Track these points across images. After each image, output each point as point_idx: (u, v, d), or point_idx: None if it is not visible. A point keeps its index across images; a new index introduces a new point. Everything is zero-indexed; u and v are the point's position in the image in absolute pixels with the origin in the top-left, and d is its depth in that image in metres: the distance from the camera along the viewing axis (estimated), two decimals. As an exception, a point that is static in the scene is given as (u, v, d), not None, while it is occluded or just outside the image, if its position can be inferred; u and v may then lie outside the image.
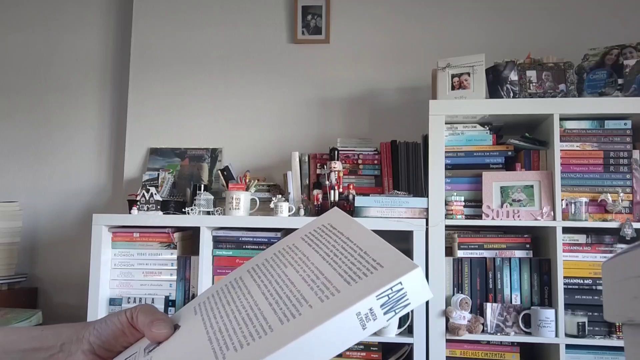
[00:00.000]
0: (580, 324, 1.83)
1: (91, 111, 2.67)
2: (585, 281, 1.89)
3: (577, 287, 1.89)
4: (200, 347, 0.44)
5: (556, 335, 1.83)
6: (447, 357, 1.89)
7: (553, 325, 1.83)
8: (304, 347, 0.39)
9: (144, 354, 0.49)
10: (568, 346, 1.84)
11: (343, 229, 0.52)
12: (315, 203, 2.14)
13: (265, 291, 0.47)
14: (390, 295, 0.40)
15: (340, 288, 0.42)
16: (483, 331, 1.89)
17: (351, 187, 2.13)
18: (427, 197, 1.96)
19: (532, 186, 1.95)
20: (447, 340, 1.89)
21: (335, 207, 0.55)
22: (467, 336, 1.87)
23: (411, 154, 2.21)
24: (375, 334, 1.94)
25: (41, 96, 2.71)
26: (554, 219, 1.89)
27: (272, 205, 2.09)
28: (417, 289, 0.40)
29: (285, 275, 0.48)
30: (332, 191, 2.12)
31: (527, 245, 1.96)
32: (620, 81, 1.95)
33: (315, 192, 2.16)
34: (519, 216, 1.92)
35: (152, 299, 2.05)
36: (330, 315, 0.39)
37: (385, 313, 0.39)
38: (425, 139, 2.12)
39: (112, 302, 2.06)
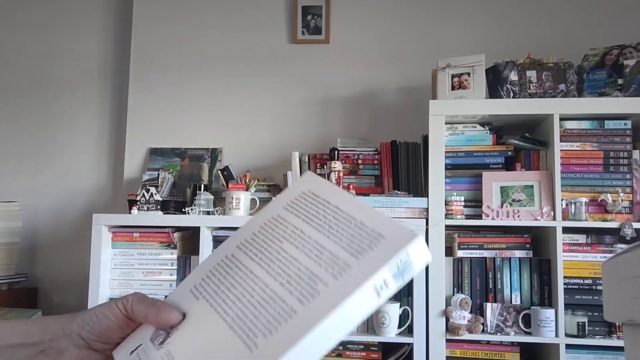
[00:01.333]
0: (580, 324, 1.83)
1: (91, 111, 2.67)
2: (585, 281, 1.89)
3: (577, 287, 1.89)
4: (224, 336, 0.44)
5: (556, 335, 1.84)
6: (447, 357, 1.89)
7: (553, 325, 1.83)
8: (330, 326, 0.40)
9: (154, 347, 0.48)
10: (568, 346, 1.84)
11: (326, 196, 0.51)
12: (315, 203, 2.14)
13: (270, 271, 0.47)
14: (399, 265, 0.43)
15: (350, 263, 0.44)
16: (483, 331, 1.89)
17: (351, 187, 2.13)
18: (427, 197, 1.96)
19: (532, 186, 1.95)
20: (447, 340, 1.89)
21: (308, 172, 0.52)
22: (467, 336, 1.87)
23: (411, 154, 2.21)
24: (375, 334, 1.94)
25: (41, 97, 2.71)
26: (554, 219, 1.89)
27: (272, 205, 2.09)
28: (420, 255, 0.44)
29: (284, 252, 0.48)
30: (332, 191, 2.11)
31: (527, 245, 1.96)
32: (620, 81, 1.95)
33: (315, 192, 2.16)
34: (519, 216, 1.92)
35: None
36: (351, 293, 0.41)
37: (396, 280, 0.42)
38: (425, 139, 2.12)
39: (112, 302, 2.06)
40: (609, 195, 1.90)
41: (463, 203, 1.96)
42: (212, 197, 2.18)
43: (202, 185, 2.22)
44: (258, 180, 2.23)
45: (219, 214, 2.13)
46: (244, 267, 0.50)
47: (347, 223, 0.48)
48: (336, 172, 2.13)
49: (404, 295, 1.99)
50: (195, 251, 2.05)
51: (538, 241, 2.03)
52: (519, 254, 1.95)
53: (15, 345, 0.47)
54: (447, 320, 1.90)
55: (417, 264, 0.43)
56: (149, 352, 0.49)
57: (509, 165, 2.04)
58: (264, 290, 0.46)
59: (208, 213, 2.13)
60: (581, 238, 1.91)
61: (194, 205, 2.14)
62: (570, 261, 1.89)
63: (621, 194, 1.89)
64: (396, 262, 0.42)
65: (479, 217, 1.95)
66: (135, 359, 0.49)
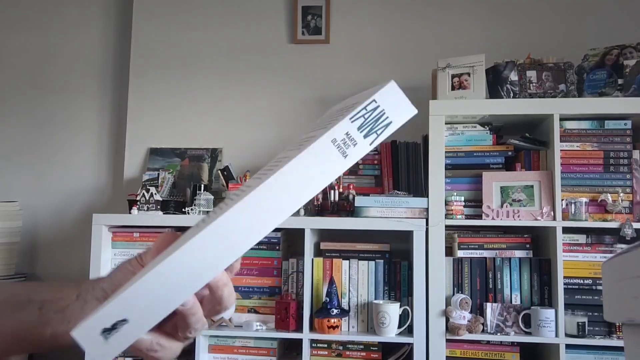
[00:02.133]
0: (580, 324, 1.83)
1: (91, 111, 2.67)
2: (585, 281, 1.89)
3: (577, 287, 1.89)
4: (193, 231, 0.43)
5: (556, 335, 1.83)
6: (447, 357, 1.89)
7: (553, 325, 1.83)
8: (282, 181, 0.37)
9: None
10: (568, 346, 1.83)
11: (391, 114, 0.42)
12: (315, 203, 2.14)
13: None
14: (365, 116, 0.37)
15: (317, 131, 0.40)
16: (483, 331, 1.89)
17: (351, 187, 2.13)
18: (427, 197, 1.96)
19: (532, 186, 1.95)
20: (447, 340, 1.89)
21: (393, 82, 0.44)
22: (467, 336, 1.87)
23: (411, 154, 2.21)
24: (375, 334, 1.94)
25: (41, 96, 2.70)
26: (554, 219, 1.89)
27: (272, 205, 2.09)
28: (395, 105, 0.38)
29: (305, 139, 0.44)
30: (332, 191, 2.11)
31: (527, 245, 1.96)
32: (620, 81, 1.95)
33: (315, 192, 2.16)
34: (519, 216, 1.92)
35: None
36: (306, 148, 0.37)
37: (365, 136, 0.37)
38: (425, 139, 2.12)
39: (112, 302, 2.06)
40: (609, 195, 1.90)
41: (463, 203, 1.96)
42: (212, 197, 2.18)
43: (202, 185, 2.22)
44: (258, 180, 2.22)
45: (219, 214, 2.12)
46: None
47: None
48: (336, 172, 2.13)
49: (404, 295, 1.99)
50: (195, 251, 2.05)
51: (538, 241, 2.03)
52: (519, 254, 1.95)
53: (49, 300, 0.50)
54: (447, 320, 1.90)
55: (393, 114, 0.38)
56: None
57: (509, 165, 2.04)
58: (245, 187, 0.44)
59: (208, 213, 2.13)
60: (581, 238, 1.91)
61: (194, 205, 2.14)
62: (570, 261, 1.89)
63: (621, 194, 1.89)
64: (361, 113, 0.37)
65: (479, 217, 1.95)
66: None
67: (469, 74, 1.98)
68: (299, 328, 1.96)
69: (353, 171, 2.25)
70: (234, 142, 2.50)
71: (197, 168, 2.46)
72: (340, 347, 1.98)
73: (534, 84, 1.98)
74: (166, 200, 2.20)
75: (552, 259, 1.91)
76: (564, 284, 1.86)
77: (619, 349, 1.83)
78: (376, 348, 1.97)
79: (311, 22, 2.49)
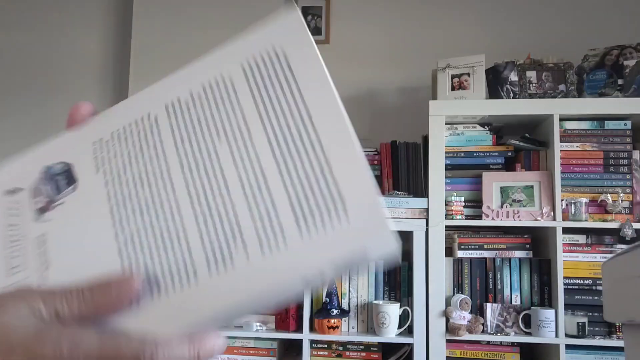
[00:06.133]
0: (580, 324, 1.83)
1: (91, 111, 2.67)
2: (585, 281, 1.89)
3: (577, 287, 1.89)
4: (107, 258, 0.34)
5: (556, 336, 1.83)
6: (447, 357, 1.89)
7: (553, 326, 1.83)
8: (235, 309, 0.32)
9: (32, 214, 0.38)
10: (568, 346, 1.83)
11: (302, 78, 0.36)
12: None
13: (189, 184, 0.35)
14: (348, 261, 0.31)
15: (289, 241, 0.32)
16: (483, 331, 1.89)
17: (351, 187, 2.12)
18: (427, 197, 1.96)
19: (532, 186, 1.95)
20: (447, 341, 1.89)
21: (294, 10, 0.37)
22: (467, 336, 1.87)
23: (411, 154, 2.21)
24: (375, 334, 1.94)
25: (41, 96, 2.70)
26: (554, 219, 1.89)
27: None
28: (381, 247, 0.31)
29: (217, 159, 0.35)
30: (332, 191, 2.11)
31: (527, 246, 1.95)
32: (620, 81, 1.95)
33: (315, 192, 2.16)
34: (519, 216, 1.92)
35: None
36: (269, 281, 0.32)
37: (336, 272, 0.31)
38: (425, 139, 2.12)
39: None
40: (609, 195, 1.90)
41: (463, 203, 1.96)
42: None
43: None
44: (258, 180, 2.23)
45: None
46: (162, 155, 0.36)
47: (312, 155, 0.33)
48: (336, 173, 2.13)
49: (404, 295, 1.99)
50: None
51: (538, 241, 2.03)
52: (519, 254, 1.95)
53: None
54: (447, 320, 1.90)
55: (373, 258, 0.31)
56: (24, 217, 0.38)
57: (509, 165, 2.04)
58: (173, 218, 0.34)
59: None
60: (581, 238, 1.91)
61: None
62: (570, 261, 1.89)
63: (621, 195, 1.89)
64: (346, 259, 0.31)
65: (479, 217, 1.95)
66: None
67: (468, 74, 1.98)
68: (299, 328, 1.96)
69: (353, 171, 2.25)
70: (234, 142, 2.49)
71: (197, 168, 2.46)
72: (340, 348, 1.98)
73: (534, 84, 1.98)
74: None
75: (552, 259, 1.91)
76: (564, 284, 1.86)
77: (619, 349, 1.83)
78: (376, 348, 1.97)
79: (311, 23, 2.50)
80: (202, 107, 0.36)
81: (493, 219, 1.93)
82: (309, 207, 0.32)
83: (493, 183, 1.97)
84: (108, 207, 0.36)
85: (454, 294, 1.94)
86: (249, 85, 0.36)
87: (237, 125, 0.35)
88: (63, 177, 0.38)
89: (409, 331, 1.93)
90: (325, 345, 1.99)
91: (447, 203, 1.94)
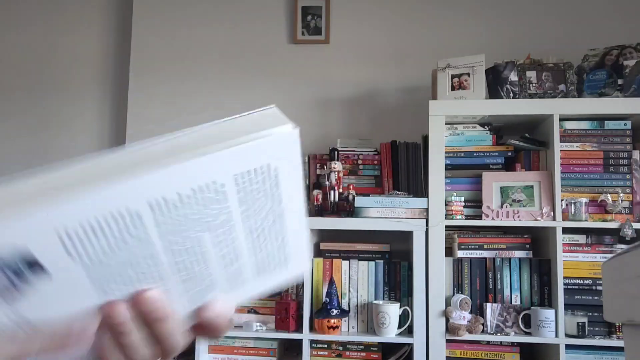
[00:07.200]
0: (580, 324, 1.83)
1: (91, 111, 2.67)
2: (585, 281, 1.89)
3: (577, 287, 1.89)
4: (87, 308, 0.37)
5: (556, 336, 1.83)
6: (447, 357, 1.89)
7: (553, 326, 1.83)
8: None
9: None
10: (568, 346, 1.83)
11: (285, 184, 0.42)
12: (315, 203, 2.14)
13: (176, 263, 0.39)
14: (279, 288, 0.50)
15: (247, 278, 0.44)
16: (483, 331, 1.89)
17: (351, 187, 2.12)
18: (427, 197, 1.96)
19: (532, 186, 1.95)
20: (447, 341, 1.89)
21: (290, 128, 0.41)
22: (467, 336, 1.87)
23: (411, 154, 2.21)
24: (375, 334, 1.94)
25: (41, 96, 2.70)
26: (554, 219, 1.89)
27: (272, 205, 2.09)
28: (298, 277, 0.48)
29: (199, 247, 0.39)
30: (332, 191, 2.11)
31: (527, 246, 1.95)
32: (620, 81, 1.95)
33: (315, 192, 2.16)
34: (519, 216, 1.92)
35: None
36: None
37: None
38: (425, 139, 2.12)
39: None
40: (609, 195, 1.90)
41: (463, 203, 1.96)
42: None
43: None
44: (258, 180, 2.22)
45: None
46: (149, 243, 0.37)
47: (276, 237, 0.43)
48: (336, 173, 2.13)
49: (404, 295, 1.99)
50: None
51: (538, 241, 2.03)
52: (519, 254, 1.95)
53: None
54: (447, 320, 1.90)
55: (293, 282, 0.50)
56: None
57: (509, 165, 2.04)
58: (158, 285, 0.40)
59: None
60: (581, 238, 1.91)
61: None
62: (570, 261, 1.89)
63: (621, 195, 1.89)
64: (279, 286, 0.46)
65: (479, 217, 1.95)
66: None
67: (468, 74, 1.98)
68: (298, 328, 1.96)
69: (353, 171, 2.25)
70: (233, 142, 2.49)
71: (197, 168, 2.46)
72: (340, 348, 1.98)
73: (534, 84, 1.98)
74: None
75: (552, 259, 1.91)
76: (564, 284, 1.86)
77: (619, 349, 1.83)
78: (376, 348, 1.98)
79: (311, 22, 2.49)
80: (190, 207, 0.37)
81: (493, 219, 1.93)
82: (268, 264, 0.45)
83: (493, 183, 1.97)
84: (90, 284, 0.37)
85: (453, 294, 1.94)
86: (239, 194, 0.39)
87: (221, 222, 0.39)
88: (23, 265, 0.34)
89: (409, 331, 1.93)
90: (325, 345, 1.99)
91: (447, 203, 1.94)
